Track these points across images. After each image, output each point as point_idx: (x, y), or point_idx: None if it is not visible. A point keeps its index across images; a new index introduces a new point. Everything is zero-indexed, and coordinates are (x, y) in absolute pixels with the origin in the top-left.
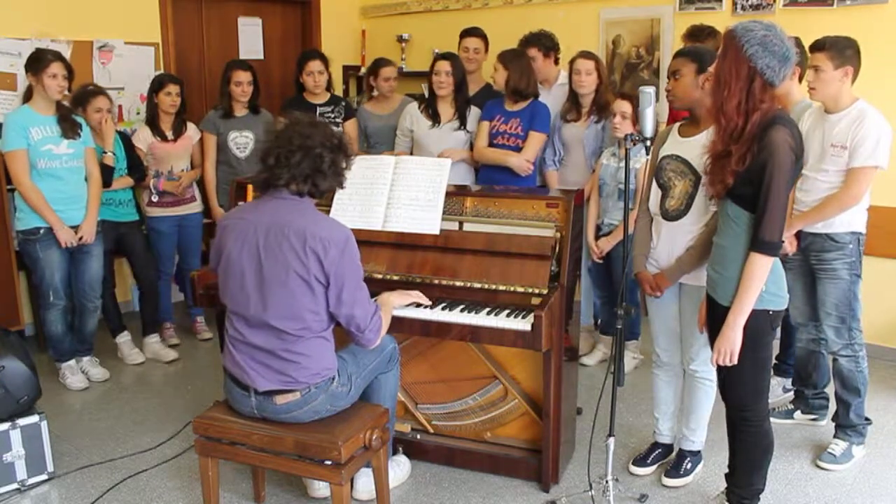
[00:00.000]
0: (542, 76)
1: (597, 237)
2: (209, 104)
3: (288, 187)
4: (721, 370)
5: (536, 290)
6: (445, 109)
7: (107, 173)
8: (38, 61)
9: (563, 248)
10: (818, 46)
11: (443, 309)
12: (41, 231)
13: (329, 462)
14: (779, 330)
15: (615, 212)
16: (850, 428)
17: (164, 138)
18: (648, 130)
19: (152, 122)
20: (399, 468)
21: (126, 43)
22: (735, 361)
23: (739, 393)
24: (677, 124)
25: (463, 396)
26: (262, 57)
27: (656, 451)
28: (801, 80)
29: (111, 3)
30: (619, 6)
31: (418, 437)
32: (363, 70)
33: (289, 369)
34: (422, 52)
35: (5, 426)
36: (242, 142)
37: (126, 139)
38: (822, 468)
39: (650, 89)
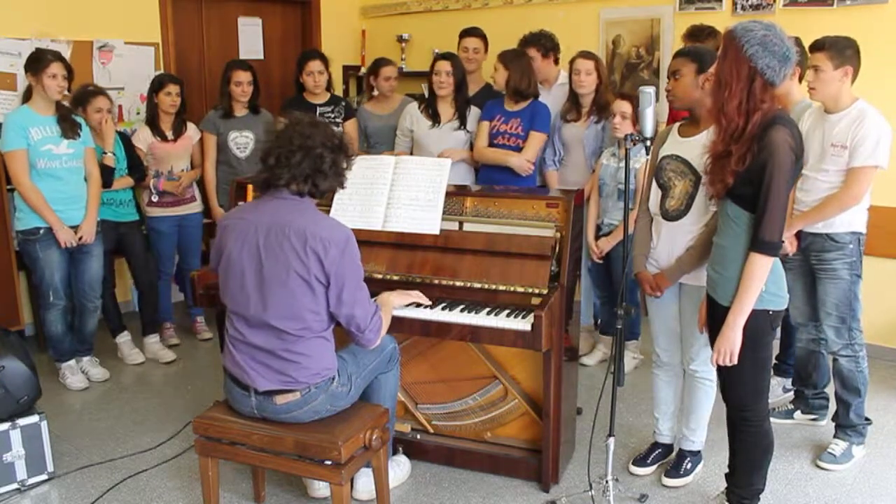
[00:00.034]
0: (542, 76)
1: (597, 237)
2: (209, 104)
3: (288, 187)
4: (721, 370)
5: (536, 290)
6: (445, 109)
7: (107, 174)
8: (37, 61)
9: (563, 248)
10: (818, 46)
11: (443, 309)
12: (41, 231)
13: (329, 462)
14: (779, 330)
15: (615, 212)
16: (850, 428)
17: (164, 138)
18: (648, 130)
19: (152, 122)
20: (399, 468)
21: (126, 43)
22: (735, 361)
23: (739, 393)
24: (677, 124)
25: (463, 396)
26: (262, 57)
27: (656, 451)
28: (801, 80)
29: (111, 3)
30: (619, 6)
31: (418, 437)
32: (363, 70)
33: (289, 369)
34: (422, 52)
35: (5, 426)
36: (242, 142)
37: (126, 139)
38: (822, 468)
39: (650, 89)
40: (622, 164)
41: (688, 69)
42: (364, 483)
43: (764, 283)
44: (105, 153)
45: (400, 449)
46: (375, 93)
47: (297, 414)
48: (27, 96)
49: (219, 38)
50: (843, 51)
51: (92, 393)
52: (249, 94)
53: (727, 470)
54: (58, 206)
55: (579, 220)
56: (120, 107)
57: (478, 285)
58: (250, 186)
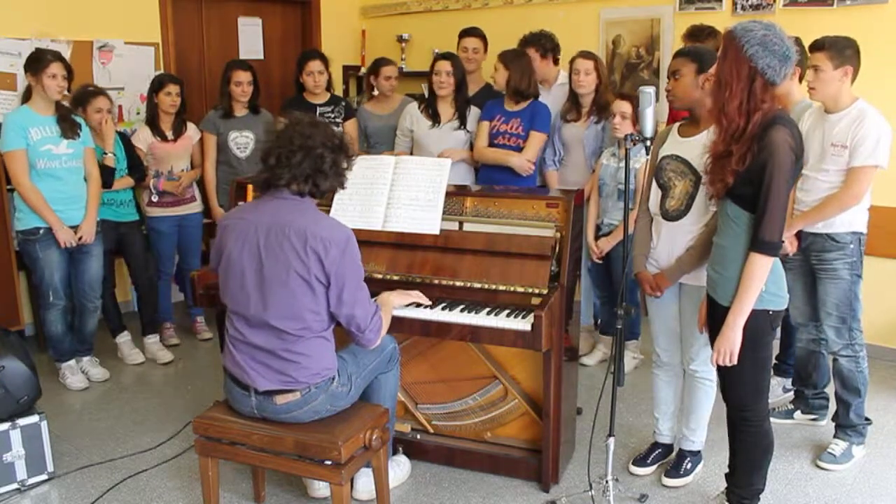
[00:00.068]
0: (540, 77)
1: (596, 237)
2: (209, 104)
3: (289, 187)
4: (721, 370)
5: (536, 290)
6: (445, 109)
7: (107, 174)
8: (37, 61)
9: (563, 248)
10: (818, 46)
11: (443, 309)
12: (41, 231)
13: (329, 462)
14: (779, 330)
15: (615, 212)
16: (850, 428)
17: (164, 138)
18: (648, 130)
19: (152, 122)
20: (399, 468)
21: (126, 43)
22: (735, 361)
23: (739, 393)
24: (677, 124)
25: (463, 396)
26: (262, 57)
27: (656, 451)
28: (801, 80)
29: (111, 3)
30: (619, 6)
31: (418, 437)
32: (363, 70)
33: (289, 369)
34: (422, 52)
35: (5, 426)
36: (243, 142)
37: (125, 139)
38: (822, 468)
39: (650, 89)
40: (622, 164)
41: (688, 69)
42: (364, 483)
43: (764, 283)
44: (105, 153)
45: (400, 449)
46: (375, 93)
47: (297, 414)
48: (27, 96)
49: (219, 38)
50: (842, 51)
51: (92, 393)
52: (249, 94)
53: (727, 470)
54: (57, 206)
55: (579, 220)
56: (120, 107)
57: (478, 285)
58: (250, 186)
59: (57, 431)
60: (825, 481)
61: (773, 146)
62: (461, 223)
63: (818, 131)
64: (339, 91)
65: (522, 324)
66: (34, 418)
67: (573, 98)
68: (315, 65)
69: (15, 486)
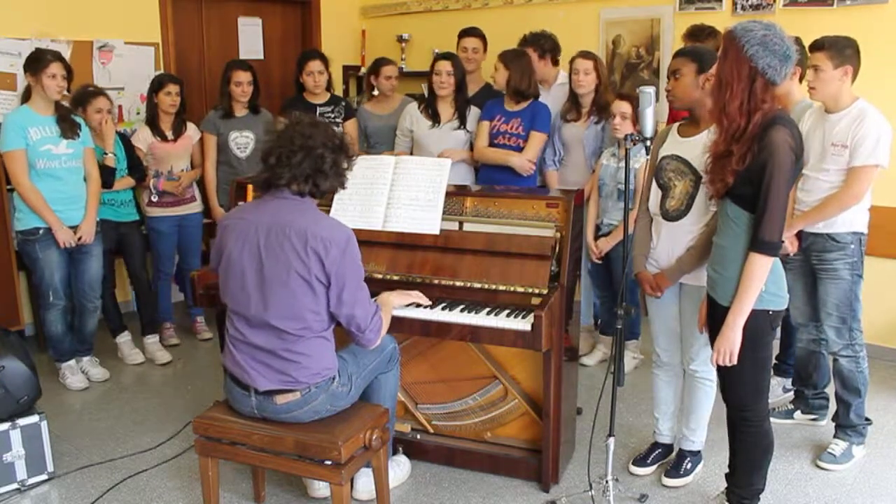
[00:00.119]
0: (539, 77)
1: (596, 237)
2: (209, 104)
3: (289, 187)
4: (721, 370)
5: (536, 290)
6: (445, 109)
7: (108, 174)
8: (37, 61)
9: (563, 248)
10: (817, 46)
11: (443, 309)
12: (40, 231)
13: (329, 462)
14: (779, 330)
15: (615, 212)
16: (850, 428)
17: (164, 138)
18: (648, 130)
19: (152, 122)
20: (399, 468)
21: (126, 43)
22: (735, 361)
23: (739, 393)
24: (676, 124)
25: (463, 396)
26: (262, 57)
27: (656, 451)
28: (801, 80)
29: (111, 3)
30: (619, 6)
31: (418, 437)
32: (363, 70)
33: (289, 369)
34: (422, 52)
35: (5, 426)
36: (243, 142)
37: (125, 140)
38: (822, 468)
39: (650, 89)
40: (622, 164)
41: (688, 69)
42: (364, 483)
43: (764, 283)
44: (106, 154)
45: (400, 449)
46: (376, 92)
47: (297, 414)
48: (26, 96)
49: (219, 38)
50: (842, 50)
51: (92, 393)
52: (249, 94)
53: (727, 470)
54: (57, 206)
55: (579, 220)
56: (120, 107)
57: (478, 285)
58: (250, 186)
59: (57, 431)
60: (825, 481)
61: (773, 146)
62: (461, 223)
63: (818, 131)
64: (339, 91)
65: (522, 324)
66: (34, 418)
67: (573, 98)
68: (315, 65)
69: (15, 486)
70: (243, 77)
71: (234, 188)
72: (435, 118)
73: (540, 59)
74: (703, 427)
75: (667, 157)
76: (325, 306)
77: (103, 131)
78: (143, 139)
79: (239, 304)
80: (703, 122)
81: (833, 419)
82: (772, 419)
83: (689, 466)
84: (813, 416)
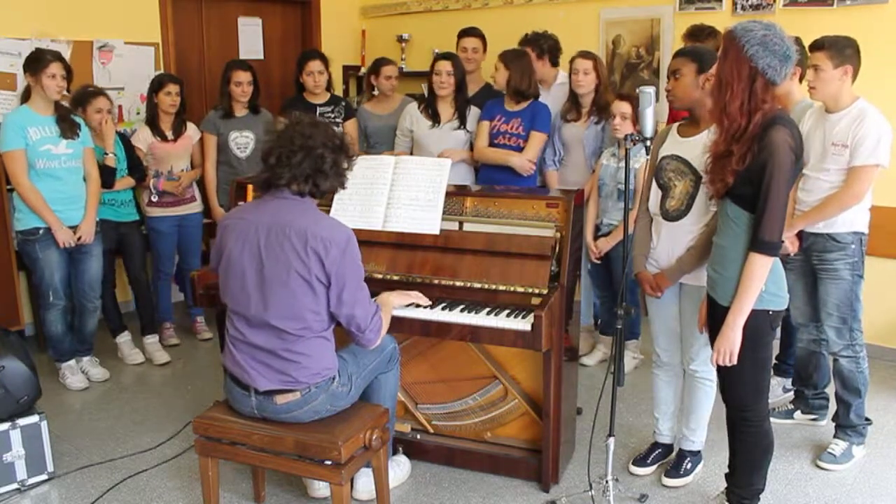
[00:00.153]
0: (538, 77)
1: (596, 237)
2: (209, 104)
3: (289, 187)
4: (721, 370)
5: (536, 290)
6: (445, 109)
7: (108, 174)
8: (36, 61)
9: (563, 248)
10: (817, 46)
11: (443, 309)
12: (40, 231)
13: (329, 462)
14: (779, 330)
15: (614, 212)
16: (850, 428)
17: (163, 138)
18: (648, 130)
19: (152, 122)
20: (399, 468)
21: (126, 43)
22: (735, 361)
23: (739, 393)
24: (676, 124)
25: (463, 396)
26: (262, 57)
27: (656, 451)
28: (801, 80)
29: (111, 3)
30: (619, 6)
31: (418, 437)
32: (363, 70)
33: (289, 369)
34: (422, 52)
35: (5, 426)
36: (243, 142)
37: (125, 140)
38: (822, 468)
39: (650, 89)
40: (622, 165)
41: (688, 69)
42: (364, 483)
43: (764, 283)
44: (106, 154)
45: (400, 449)
46: (376, 92)
47: (297, 414)
48: (26, 96)
49: (219, 38)
50: (842, 50)
51: (92, 393)
52: (249, 94)
53: (727, 470)
54: (57, 206)
55: (579, 220)
56: (120, 107)
57: (478, 285)
58: (250, 186)
59: (57, 431)
60: (825, 481)
61: (772, 146)
62: (461, 223)
63: (819, 131)
64: (339, 91)
65: (522, 324)
66: (34, 418)
67: (573, 98)
68: (315, 65)
69: (15, 486)
70: (243, 77)
71: (234, 188)
72: (435, 118)
73: (538, 58)
74: (703, 427)
75: (667, 157)
76: (325, 306)
77: (103, 131)
78: (143, 139)
79: (239, 304)
80: (703, 122)
81: (833, 419)
82: (772, 419)
83: (689, 466)
84: (813, 416)
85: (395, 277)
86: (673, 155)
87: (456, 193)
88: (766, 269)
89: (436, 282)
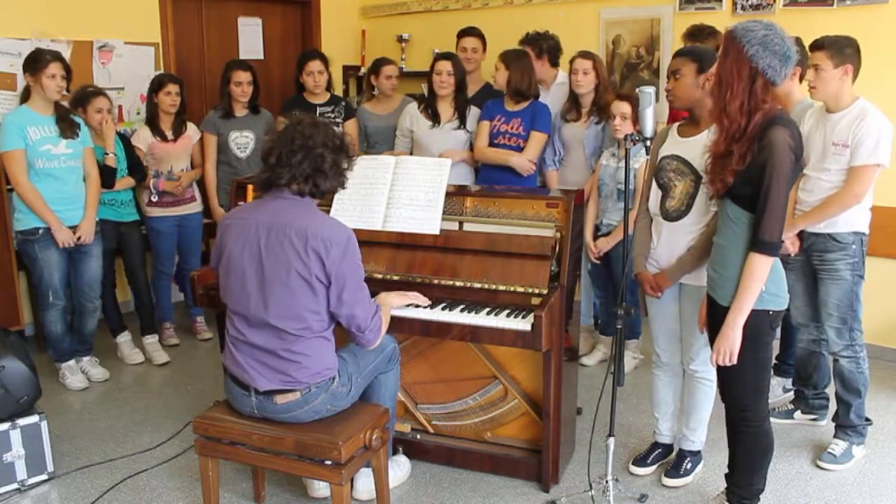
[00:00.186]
0: (537, 77)
1: (595, 237)
2: (209, 104)
3: (289, 187)
4: (721, 370)
5: (536, 290)
6: (445, 109)
7: (109, 174)
8: (36, 61)
9: (563, 248)
10: (818, 45)
11: (443, 309)
12: (40, 231)
13: (329, 462)
14: (779, 330)
15: (614, 212)
16: (850, 428)
17: (163, 138)
18: (648, 130)
19: (152, 121)
20: (399, 468)
21: (126, 43)
22: (734, 361)
23: (739, 393)
24: (676, 124)
25: (463, 396)
26: (262, 57)
27: (656, 451)
28: (801, 80)
29: (111, 3)
30: (619, 6)
31: (418, 437)
32: (363, 70)
33: (289, 369)
34: (422, 52)
35: (5, 426)
36: (243, 142)
37: (125, 140)
38: (822, 468)
39: (650, 89)
40: (622, 164)
41: (688, 69)
42: (364, 483)
43: (764, 283)
44: (106, 154)
45: (400, 449)
46: (376, 92)
47: (297, 414)
48: (25, 96)
49: (219, 38)
50: (842, 49)
51: (92, 393)
52: (249, 94)
53: (727, 470)
54: (56, 206)
55: (579, 220)
56: (120, 107)
57: (478, 285)
58: (250, 186)
59: (57, 431)
60: (825, 481)
61: (772, 146)
62: (461, 223)
63: (819, 131)
64: (339, 91)
65: (522, 324)
66: (34, 418)
67: (573, 98)
68: (315, 65)
69: (15, 486)
70: (243, 77)
71: (234, 188)
72: (435, 118)
73: (537, 58)
74: (703, 427)
75: (667, 157)
76: (325, 306)
77: (103, 131)
78: (143, 139)
79: (239, 303)
80: (703, 122)
81: (833, 419)
82: (772, 419)
83: (689, 466)
84: (813, 416)
85: (395, 277)
86: (673, 155)
87: (456, 193)
88: (766, 269)
89: (436, 282)
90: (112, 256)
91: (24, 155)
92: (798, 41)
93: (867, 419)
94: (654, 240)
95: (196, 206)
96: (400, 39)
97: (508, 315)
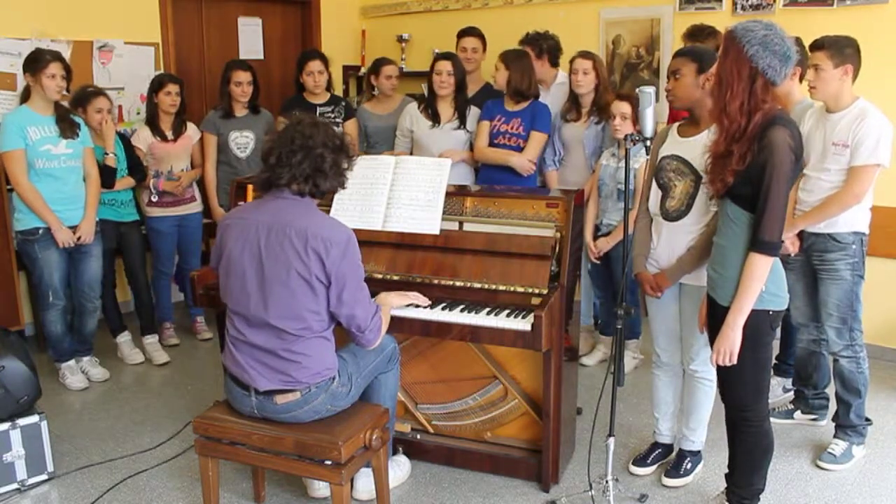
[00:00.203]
0: (537, 77)
1: (595, 237)
2: (209, 104)
3: (289, 187)
4: (721, 370)
5: (536, 290)
6: (445, 109)
7: (109, 174)
8: (36, 61)
9: (563, 248)
10: (818, 45)
11: (443, 309)
12: (40, 231)
13: (329, 462)
14: (779, 330)
15: (614, 212)
16: (850, 428)
17: (163, 138)
18: (648, 130)
19: (152, 121)
20: (399, 468)
21: (126, 43)
22: (734, 361)
23: (739, 393)
24: (676, 124)
25: (463, 396)
26: (262, 57)
27: (656, 451)
28: (801, 80)
29: (111, 3)
30: (619, 6)
31: (418, 437)
32: (363, 70)
33: (289, 369)
34: (422, 52)
35: (5, 426)
36: (243, 142)
37: (125, 140)
38: (822, 468)
39: (650, 89)
40: (622, 165)
41: (688, 69)
42: (364, 483)
43: (764, 283)
44: (106, 154)
45: (400, 449)
46: (376, 92)
47: (297, 414)
48: (25, 96)
49: (219, 38)
50: (842, 49)
51: (92, 393)
52: (249, 94)
53: (727, 470)
54: (56, 206)
55: (579, 220)
56: (120, 107)
57: (478, 285)
58: (250, 186)
59: (57, 431)
60: (825, 481)
61: (772, 146)
62: (461, 223)
63: (820, 131)
64: (339, 91)
65: (522, 324)
66: (34, 418)
67: (573, 98)
68: (315, 65)
69: (15, 486)
70: (243, 77)
71: (234, 188)
72: (435, 118)
73: (537, 58)
74: (703, 427)
75: (667, 157)
76: (325, 306)
77: (103, 131)
78: (143, 139)
79: (239, 303)
80: (703, 122)
81: (833, 419)
82: (772, 419)
83: (689, 466)
84: (813, 416)
85: (395, 277)
86: (673, 155)
87: (456, 193)
88: (766, 269)
89: (436, 282)
90: (112, 256)
91: (24, 155)
92: (798, 41)
93: (867, 419)
94: (654, 240)
95: (196, 206)
96: (400, 39)
97: (508, 315)
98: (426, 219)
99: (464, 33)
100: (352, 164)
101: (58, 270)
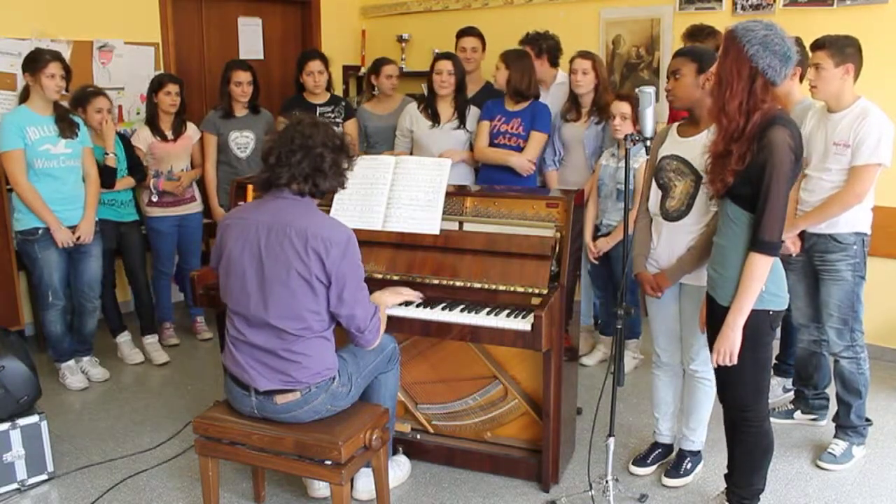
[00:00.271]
0: (537, 77)
1: (595, 237)
2: (209, 104)
3: (289, 187)
4: (721, 370)
5: (536, 290)
6: (445, 109)
7: (109, 174)
8: (35, 61)
9: (563, 248)
10: (818, 45)
11: (443, 309)
12: (39, 231)
13: (329, 462)
14: (779, 330)
15: (614, 212)
16: (850, 428)
17: (163, 138)
18: (648, 130)
19: (152, 121)
20: (399, 468)
21: (126, 43)
22: (734, 361)
23: (740, 393)
24: (675, 124)
25: (463, 396)
26: (262, 57)
27: (656, 451)
28: (801, 80)
29: (111, 3)
30: (619, 6)
31: (418, 437)
32: (363, 70)
33: (289, 369)
34: (422, 52)
35: (5, 426)
36: (243, 142)
37: (125, 140)
38: (822, 468)
39: (650, 89)
40: (622, 165)
41: (688, 69)
42: (364, 483)
43: (764, 284)
44: (106, 154)
45: (400, 449)
46: (376, 92)
47: (297, 414)
48: (24, 96)
49: (219, 38)
50: (843, 48)
51: (92, 393)
52: (249, 94)
53: (727, 470)
54: (56, 206)
55: (579, 220)
56: (120, 107)
57: (478, 285)
58: (250, 186)
59: (57, 431)
60: (825, 481)
61: (772, 146)
62: (461, 223)
63: (821, 131)
64: (339, 91)
65: (522, 324)
66: (34, 418)
67: (573, 98)
68: (315, 65)
69: (15, 486)
70: (243, 77)
71: (234, 188)
72: (435, 118)
73: (537, 58)
74: (703, 427)
75: (667, 157)
76: (325, 306)
77: (103, 131)
78: (143, 139)
79: (239, 303)
80: (703, 122)
81: (833, 419)
82: (772, 419)
83: (689, 466)
84: (813, 416)
85: (395, 277)
86: (673, 155)
87: (456, 193)
88: (766, 269)
89: (436, 282)
90: (112, 256)
91: (24, 155)
92: (798, 41)
93: (867, 419)
94: (654, 240)
95: (196, 206)
96: (400, 39)
97: (508, 315)
98: (426, 219)
99: (463, 33)
100: (352, 164)
101: (57, 270)
